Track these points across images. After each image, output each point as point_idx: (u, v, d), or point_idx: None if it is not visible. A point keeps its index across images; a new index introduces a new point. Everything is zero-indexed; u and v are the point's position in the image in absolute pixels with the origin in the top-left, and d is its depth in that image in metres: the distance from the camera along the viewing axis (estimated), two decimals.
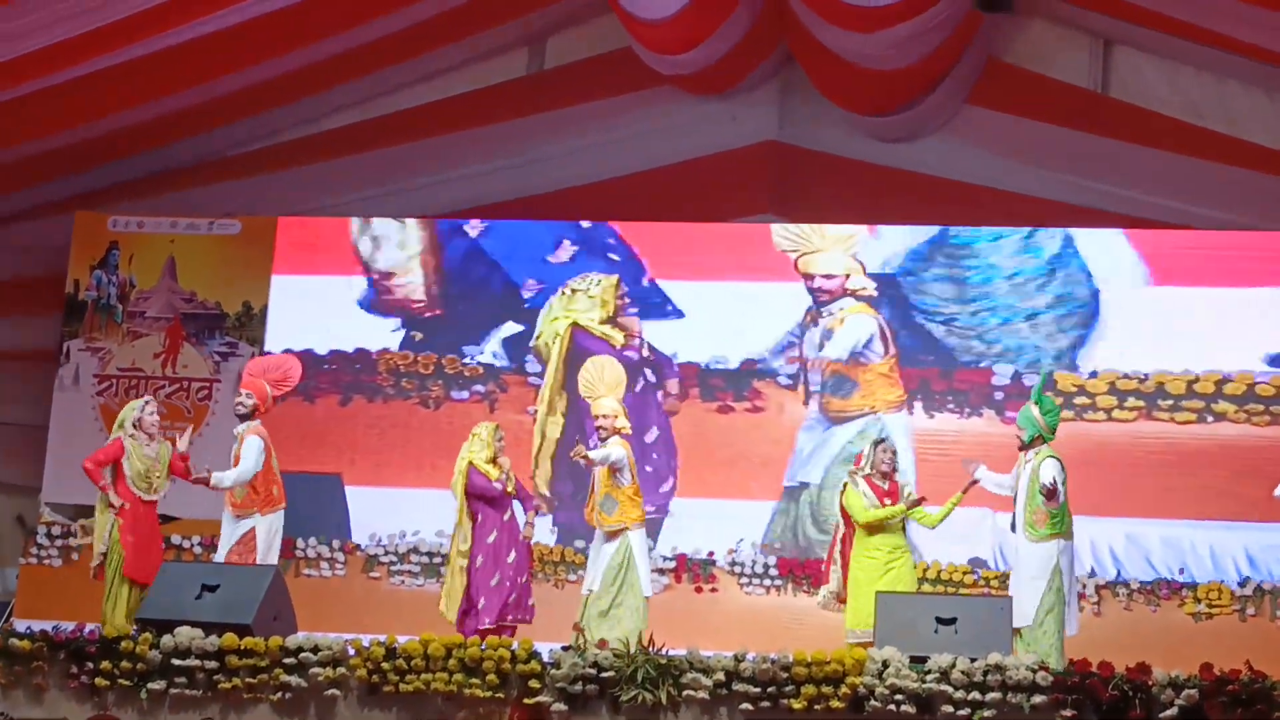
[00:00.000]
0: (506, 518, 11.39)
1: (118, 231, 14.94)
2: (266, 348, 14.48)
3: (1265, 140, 13.52)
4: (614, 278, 14.67)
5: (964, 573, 13.22)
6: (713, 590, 13.69)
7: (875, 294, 14.30)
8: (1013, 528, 10.82)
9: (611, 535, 10.97)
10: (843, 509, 11.02)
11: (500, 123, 14.93)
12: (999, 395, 13.93)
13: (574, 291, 14.74)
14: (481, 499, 11.35)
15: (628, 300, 14.68)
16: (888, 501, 10.84)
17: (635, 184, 14.81)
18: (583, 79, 14.83)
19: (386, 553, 14.11)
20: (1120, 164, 13.89)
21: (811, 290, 14.41)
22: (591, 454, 11.04)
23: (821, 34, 13.53)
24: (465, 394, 14.71)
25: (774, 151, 14.76)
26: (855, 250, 14.25)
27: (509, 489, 11.42)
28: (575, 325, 14.81)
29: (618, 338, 14.85)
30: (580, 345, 14.61)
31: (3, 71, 12.31)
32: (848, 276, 14.29)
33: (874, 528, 10.77)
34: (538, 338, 14.68)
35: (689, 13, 13.09)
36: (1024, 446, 10.84)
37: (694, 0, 12.94)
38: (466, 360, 14.80)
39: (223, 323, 14.72)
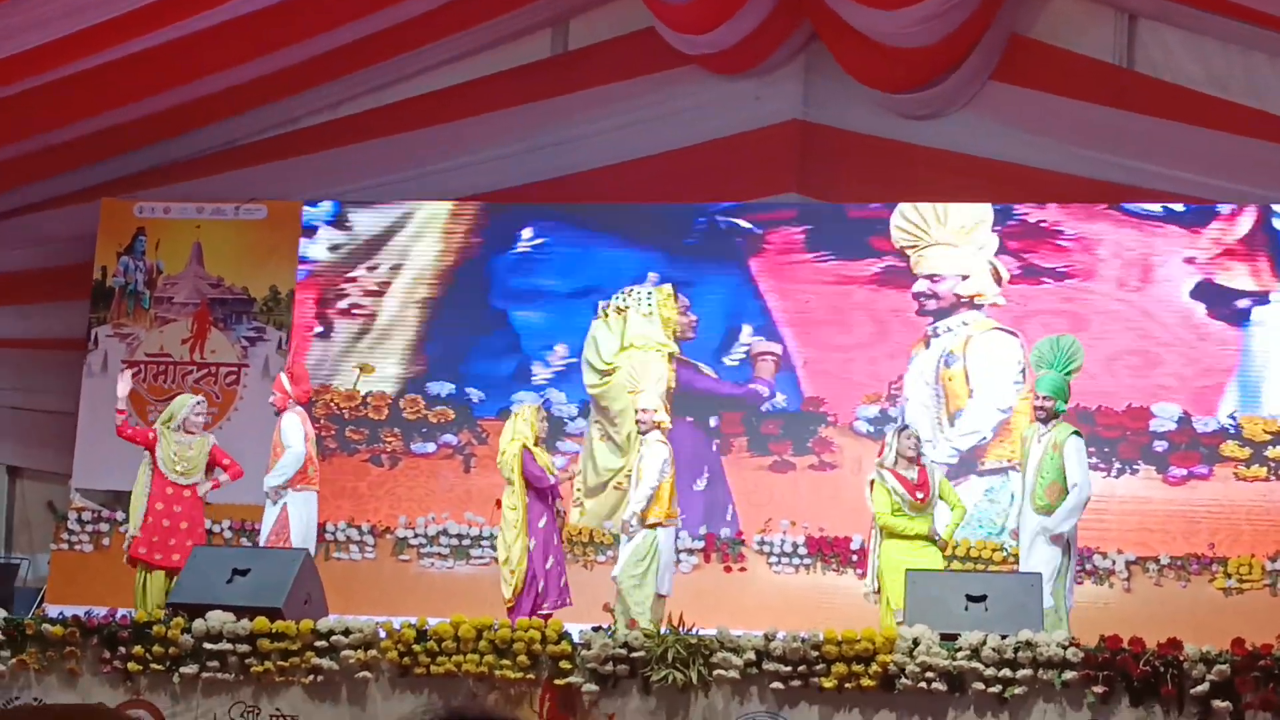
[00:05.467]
0: (551, 501, 11.46)
1: (144, 218, 14.97)
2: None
3: None
4: (667, 287, 14.07)
5: (993, 549, 13.14)
6: (741, 570, 13.67)
7: (1002, 302, 13.44)
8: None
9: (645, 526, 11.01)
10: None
11: (523, 105, 14.89)
12: (1160, 446, 13.36)
13: (621, 311, 14.10)
14: (531, 486, 11.37)
15: (690, 315, 13.97)
16: (919, 494, 10.69)
17: (659, 164, 14.76)
18: (606, 60, 14.80)
19: (416, 535, 14.11)
20: (1146, 138, 13.82)
21: (915, 296, 13.70)
22: (629, 518, 11.04)
23: (845, 12, 13.49)
24: (431, 447, 14.18)
25: (798, 130, 14.70)
26: (982, 242, 13.60)
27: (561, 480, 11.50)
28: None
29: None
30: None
31: (25, 61, 12.32)
32: (964, 278, 13.67)
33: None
34: (603, 376, 13.95)
35: None
36: (1046, 419, 10.63)
37: None
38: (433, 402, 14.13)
39: (250, 307, 14.73)
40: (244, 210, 14.89)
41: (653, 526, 10.95)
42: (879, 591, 10.78)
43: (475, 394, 14.19)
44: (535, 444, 11.41)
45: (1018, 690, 8.90)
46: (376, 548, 14.15)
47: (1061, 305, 13.55)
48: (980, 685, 8.93)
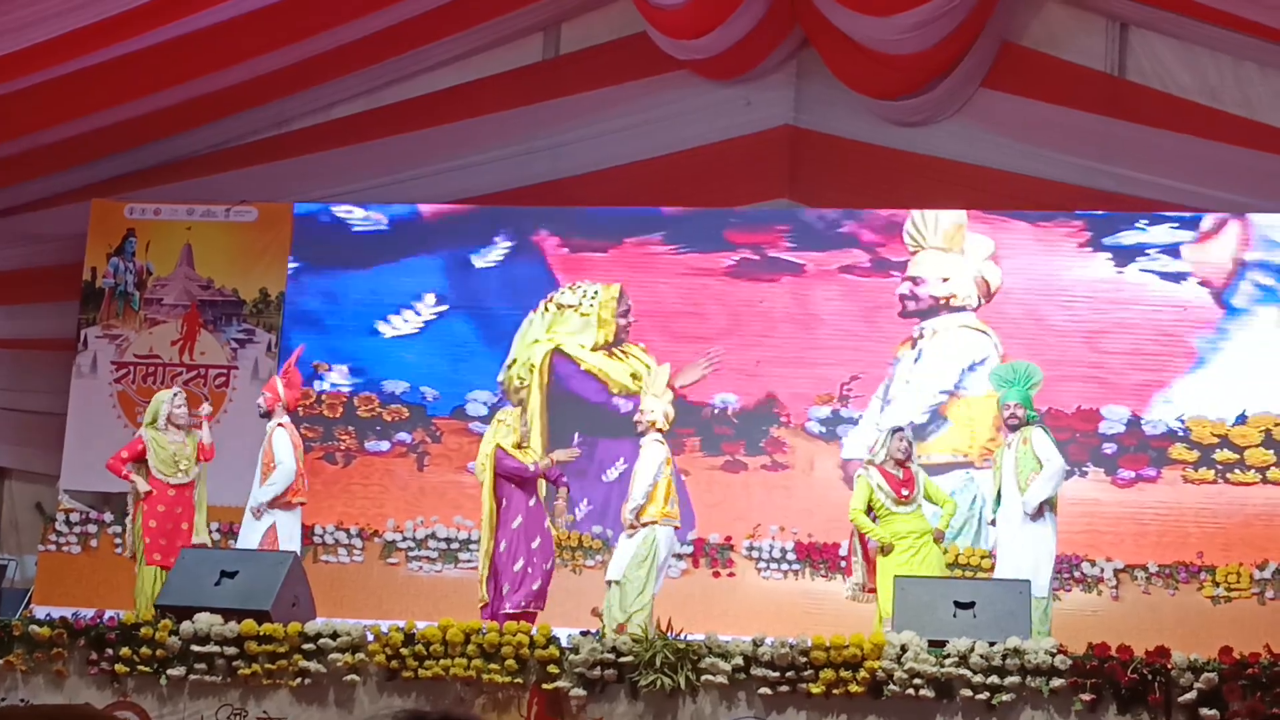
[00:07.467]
0: (532, 503, 11.33)
1: (134, 219, 14.94)
2: (284, 335, 14.48)
3: None
4: (615, 288, 14.14)
5: (982, 556, 13.14)
6: (730, 575, 13.66)
7: (973, 307, 13.53)
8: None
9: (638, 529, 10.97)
10: None
11: (514, 109, 14.89)
12: (1109, 449, 13.47)
13: (561, 308, 14.19)
14: (510, 481, 11.30)
15: (632, 319, 14.08)
16: (904, 491, 10.81)
17: (650, 169, 14.76)
18: (598, 65, 14.80)
19: (404, 539, 14.08)
20: (1137, 147, 13.86)
21: (900, 298, 13.75)
22: (629, 514, 10.98)
23: (836, 18, 13.50)
24: (385, 445, 14.19)
25: (790, 136, 14.71)
26: (965, 248, 13.70)
27: (543, 469, 11.37)
28: (558, 351, 14.09)
29: (617, 374, 13.80)
30: (562, 380, 14.00)
31: (16, 61, 12.31)
32: (944, 280, 13.72)
33: (895, 517, 10.80)
34: (508, 368, 14.16)
35: None
36: (1017, 427, 11.04)
37: None
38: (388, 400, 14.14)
39: (240, 309, 14.71)
40: (234, 212, 14.87)
41: (650, 524, 10.93)
42: (868, 590, 10.85)
43: (430, 392, 14.20)
44: (516, 446, 11.37)
45: (1005, 697, 8.90)
46: (365, 551, 14.12)
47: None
48: (968, 692, 8.93)
